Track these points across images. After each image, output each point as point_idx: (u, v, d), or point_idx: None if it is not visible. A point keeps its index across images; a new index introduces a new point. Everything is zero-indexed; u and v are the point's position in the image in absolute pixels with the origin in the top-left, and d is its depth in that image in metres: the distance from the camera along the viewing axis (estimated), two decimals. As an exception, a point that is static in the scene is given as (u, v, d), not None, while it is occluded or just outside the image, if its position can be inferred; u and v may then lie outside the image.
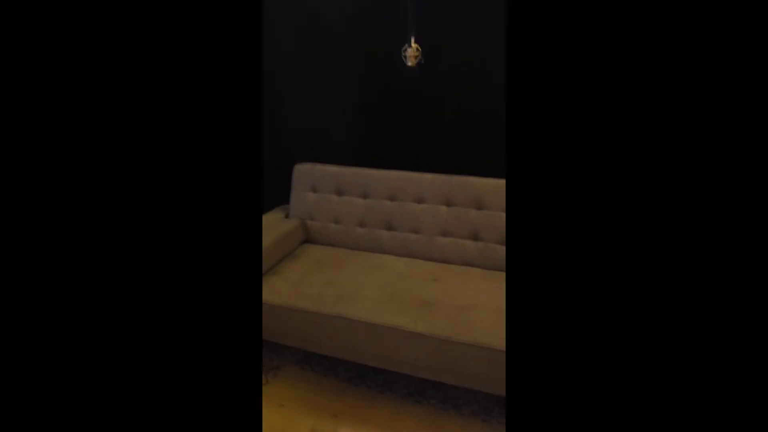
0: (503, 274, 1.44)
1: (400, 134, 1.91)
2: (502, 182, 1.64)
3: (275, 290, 1.57)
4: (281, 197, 2.06)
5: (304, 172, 1.97)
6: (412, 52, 1.71)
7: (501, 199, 1.65)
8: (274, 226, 1.86)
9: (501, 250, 1.66)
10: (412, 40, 1.70)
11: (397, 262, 1.77)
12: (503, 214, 1.63)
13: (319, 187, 1.94)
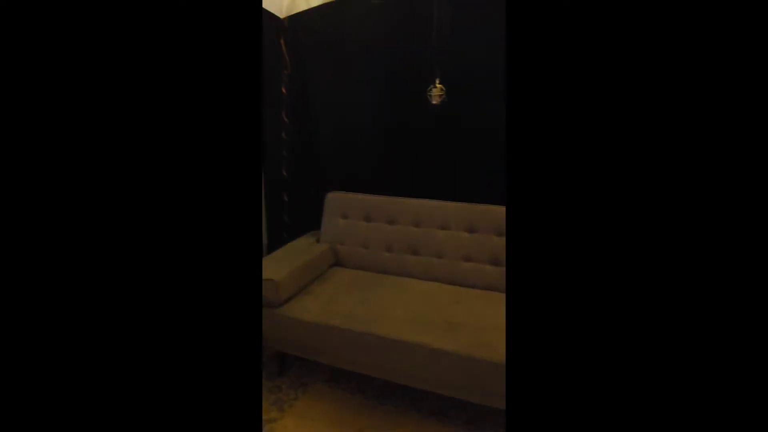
0: (524, 297, 1.50)
1: (426, 165, 2.04)
2: (522, 210, 1.73)
3: (307, 308, 1.67)
4: (313, 223, 2.20)
5: (335, 199, 2.11)
6: (436, 91, 1.87)
7: (521, 226, 1.73)
8: (305, 249, 1.99)
9: (522, 275, 1.72)
10: (437, 81, 1.86)
11: (422, 285, 1.86)
12: (523, 241, 1.70)
13: (349, 213, 2.08)
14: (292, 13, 2.00)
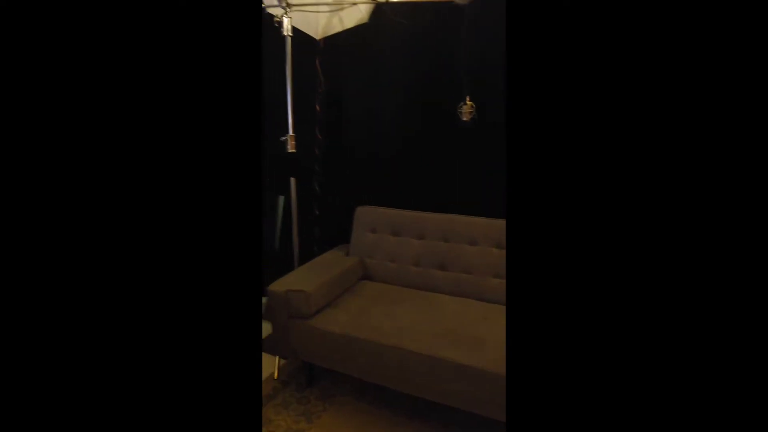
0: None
1: (455, 181, 2.06)
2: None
3: (335, 321, 1.70)
4: (343, 237, 2.24)
5: (364, 213, 2.15)
6: (466, 108, 1.89)
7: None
8: (335, 262, 2.03)
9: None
10: (467, 98, 1.88)
11: (450, 301, 1.86)
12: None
13: (378, 227, 2.11)
14: (328, 34, 2.09)
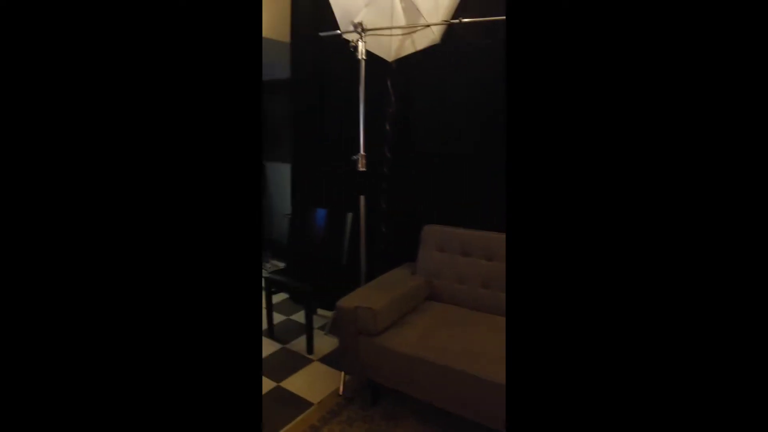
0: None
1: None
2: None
3: (402, 340, 1.69)
4: (409, 255, 2.24)
5: (432, 232, 2.14)
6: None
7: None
8: (401, 281, 2.03)
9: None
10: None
11: (522, 327, 1.77)
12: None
13: (445, 247, 2.08)
14: (400, 56, 2.13)
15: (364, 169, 2.07)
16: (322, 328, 2.55)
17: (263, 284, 2.43)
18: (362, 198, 2.15)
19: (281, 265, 3.57)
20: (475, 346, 1.61)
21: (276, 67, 3.65)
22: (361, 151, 2.06)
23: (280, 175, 3.83)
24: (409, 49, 2.09)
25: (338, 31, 2.06)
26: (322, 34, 2.18)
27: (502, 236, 1.95)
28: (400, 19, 1.98)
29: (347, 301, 1.80)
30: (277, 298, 2.83)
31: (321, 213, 2.58)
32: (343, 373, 1.99)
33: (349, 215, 2.38)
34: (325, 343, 2.35)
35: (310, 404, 1.85)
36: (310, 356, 2.23)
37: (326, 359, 2.20)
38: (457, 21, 1.89)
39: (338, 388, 1.95)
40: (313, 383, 2.00)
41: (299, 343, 2.35)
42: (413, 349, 1.63)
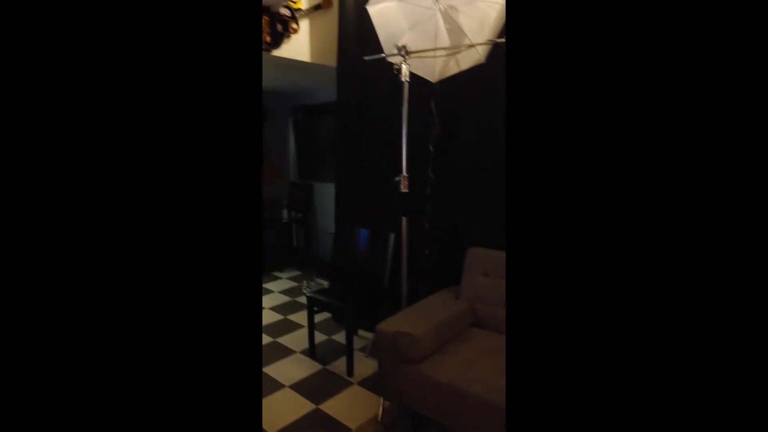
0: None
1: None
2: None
3: (444, 369, 1.62)
4: (453, 278, 2.17)
5: (476, 255, 2.06)
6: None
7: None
8: (444, 306, 1.96)
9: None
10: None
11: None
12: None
13: (490, 271, 1.99)
14: (445, 77, 2.12)
15: (406, 191, 2.05)
16: (362, 349, 2.51)
17: (306, 303, 2.45)
18: (404, 219, 2.12)
19: (325, 283, 3.60)
20: (521, 379, 1.51)
21: (324, 90, 3.78)
22: (404, 173, 2.04)
23: (326, 195, 3.90)
24: (453, 69, 2.07)
25: (382, 55, 2.08)
26: (366, 57, 2.21)
27: (552, 262, 1.84)
28: (445, 40, 1.97)
29: (387, 325, 1.76)
30: (319, 318, 2.84)
31: (364, 233, 2.58)
32: (382, 398, 1.94)
33: (392, 236, 2.36)
34: (366, 366, 2.31)
35: (348, 429, 1.81)
36: (350, 379, 2.20)
37: (366, 383, 2.16)
38: (502, 40, 1.85)
39: (377, 415, 1.90)
40: (351, 407, 1.96)
41: (340, 365, 2.33)
42: (455, 380, 1.55)
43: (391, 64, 2.00)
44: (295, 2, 2.59)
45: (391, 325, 1.75)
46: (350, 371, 2.23)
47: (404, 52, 1.92)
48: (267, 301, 3.32)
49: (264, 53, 2.49)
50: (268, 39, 2.46)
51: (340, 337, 2.66)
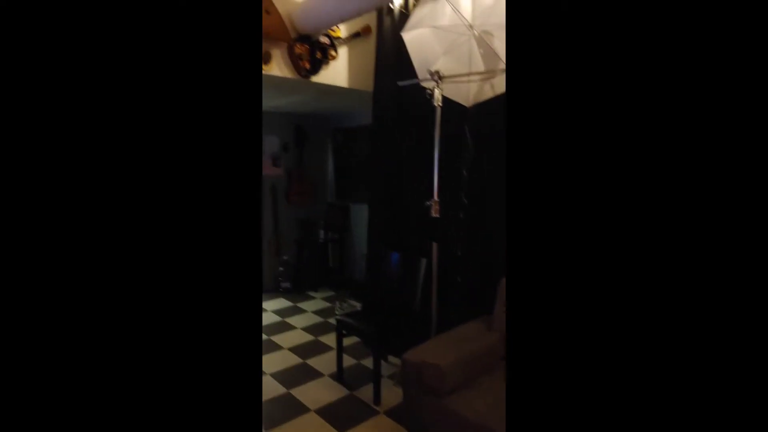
0: None
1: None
2: None
3: (472, 406, 1.53)
4: (485, 307, 2.08)
5: (510, 285, 1.97)
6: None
7: None
8: (475, 336, 1.88)
9: None
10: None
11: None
12: None
13: (525, 302, 1.90)
14: (479, 101, 2.09)
15: (437, 216, 2.02)
16: (391, 377, 2.45)
17: (336, 325, 2.43)
18: (435, 245, 2.08)
19: (358, 305, 3.58)
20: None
21: (362, 114, 3.85)
22: (435, 197, 2.01)
23: (363, 216, 3.93)
24: (487, 93, 2.04)
25: (416, 80, 2.09)
26: (400, 83, 2.23)
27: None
28: (479, 65, 1.95)
29: (414, 354, 1.70)
30: (350, 341, 2.82)
31: (395, 256, 2.55)
32: (407, 431, 1.86)
33: (423, 261, 2.31)
34: (395, 395, 2.24)
35: (371, 462, 1.75)
36: (377, 407, 2.14)
37: (393, 413, 2.09)
38: (539, 63, 1.80)
39: (402, 448, 1.83)
40: (376, 438, 1.90)
41: (367, 391, 2.28)
42: (484, 418, 1.46)
43: (425, 88, 2.01)
44: (334, 31, 2.67)
45: (417, 354, 1.70)
46: (377, 399, 2.17)
47: (437, 77, 1.91)
48: (299, 321, 3.34)
49: (303, 79, 2.58)
50: (307, 66, 2.55)
51: (370, 362, 2.62)
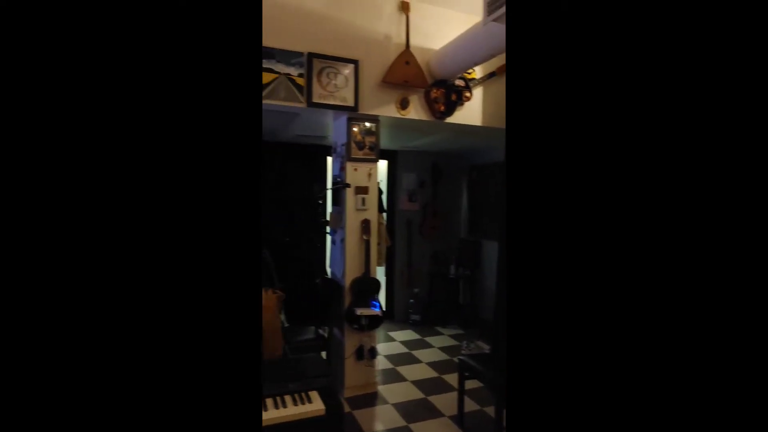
0: None
1: None
2: None
3: None
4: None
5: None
6: None
7: None
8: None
9: None
10: None
11: None
12: None
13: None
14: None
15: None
16: (516, 431, 2.26)
17: (458, 365, 2.38)
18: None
19: (486, 348, 3.43)
20: None
21: (497, 150, 3.80)
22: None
23: (495, 253, 3.81)
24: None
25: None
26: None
27: None
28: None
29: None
30: (475, 384, 2.71)
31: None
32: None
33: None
34: (517, 452, 2.07)
35: None
36: (497, 462, 2.00)
37: (514, 472, 1.92)
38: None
39: None
40: (493, 496, 1.76)
41: (488, 442, 2.15)
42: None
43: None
44: (470, 73, 2.76)
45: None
46: (498, 453, 2.03)
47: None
48: (425, 355, 3.35)
49: (438, 121, 2.71)
50: (441, 108, 2.68)
51: (492, 411, 2.47)
